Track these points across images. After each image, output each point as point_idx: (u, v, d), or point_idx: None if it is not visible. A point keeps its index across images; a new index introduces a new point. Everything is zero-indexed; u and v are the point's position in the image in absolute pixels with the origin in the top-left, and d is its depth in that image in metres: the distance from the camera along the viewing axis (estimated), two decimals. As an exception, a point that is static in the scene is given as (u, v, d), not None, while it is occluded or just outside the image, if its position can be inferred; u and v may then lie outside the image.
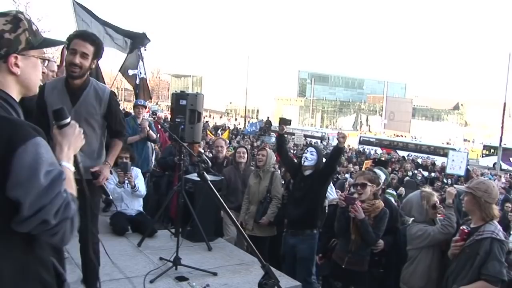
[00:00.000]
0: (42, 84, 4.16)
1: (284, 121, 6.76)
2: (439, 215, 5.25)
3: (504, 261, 3.91)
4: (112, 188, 6.73)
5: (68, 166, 1.96)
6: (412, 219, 5.26)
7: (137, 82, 11.16)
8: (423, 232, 4.92)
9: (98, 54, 3.86)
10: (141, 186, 6.97)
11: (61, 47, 6.48)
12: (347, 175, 18.46)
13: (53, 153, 1.84)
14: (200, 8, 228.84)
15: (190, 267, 5.41)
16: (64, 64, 5.71)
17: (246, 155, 7.71)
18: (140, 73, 11.18)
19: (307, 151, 6.36)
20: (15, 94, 1.92)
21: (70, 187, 1.85)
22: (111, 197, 8.20)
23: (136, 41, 10.14)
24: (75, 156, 2.06)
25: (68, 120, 2.06)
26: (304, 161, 6.23)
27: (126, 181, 6.81)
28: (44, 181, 1.69)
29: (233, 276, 5.49)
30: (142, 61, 11.15)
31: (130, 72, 11.17)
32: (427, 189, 5.35)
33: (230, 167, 7.86)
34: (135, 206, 6.99)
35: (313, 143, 37.36)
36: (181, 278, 5.24)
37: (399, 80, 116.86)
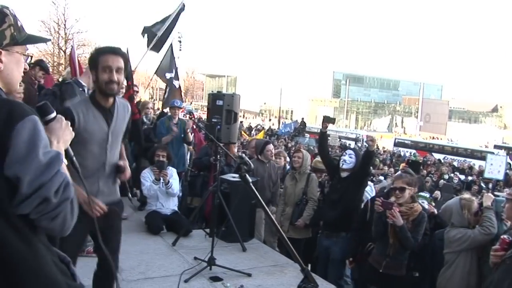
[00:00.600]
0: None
1: (328, 119, 6.65)
2: None
3: None
4: (148, 185, 6.80)
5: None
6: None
7: (175, 86, 11.51)
8: (462, 235, 4.81)
9: (127, 67, 3.79)
10: (175, 185, 7.01)
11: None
12: (381, 177, 18.27)
13: None
14: (234, 8, 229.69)
15: (224, 268, 5.41)
16: (86, 76, 5.63)
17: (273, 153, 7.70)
18: (176, 78, 11.59)
19: (346, 153, 6.32)
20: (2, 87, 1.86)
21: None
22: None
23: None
24: (67, 150, 2.02)
25: (54, 114, 2.02)
26: (343, 164, 6.17)
27: (162, 180, 6.86)
28: (43, 158, 1.66)
29: (267, 278, 5.47)
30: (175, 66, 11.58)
31: (168, 75, 11.52)
32: (466, 195, 5.22)
33: (255, 160, 7.81)
34: (170, 205, 7.03)
35: (347, 145, 37.35)
36: (215, 278, 5.24)
37: (436, 81, 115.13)
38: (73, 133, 2.07)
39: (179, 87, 11.93)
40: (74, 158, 2.14)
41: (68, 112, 3.20)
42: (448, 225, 5.21)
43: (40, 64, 7.84)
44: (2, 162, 1.62)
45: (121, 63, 3.46)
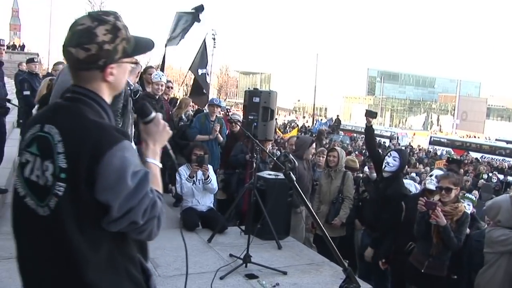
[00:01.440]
0: None
1: (370, 114, 6.57)
2: None
3: None
4: (183, 182, 6.82)
5: (155, 162, 1.99)
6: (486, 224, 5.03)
7: (208, 81, 11.68)
8: (507, 237, 4.67)
9: None
10: (214, 181, 7.01)
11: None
12: (413, 174, 18.04)
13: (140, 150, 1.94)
14: (268, 5, 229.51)
15: (260, 265, 5.39)
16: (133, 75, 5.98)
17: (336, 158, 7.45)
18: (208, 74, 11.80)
19: (390, 155, 6.15)
20: (107, 97, 1.95)
21: (156, 184, 1.90)
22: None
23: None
24: (165, 146, 2.09)
25: (152, 116, 2.06)
26: (385, 166, 6.06)
27: (199, 177, 6.87)
28: (131, 184, 1.73)
29: (303, 276, 5.43)
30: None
31: (200, 71, 11.62)
32: None
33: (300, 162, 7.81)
34: (206, 202, 7.05)
35: (382, 143, 36.95)
36: (251, 276, 5.23)
37: (473, 78, 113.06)
38: (170, 132, 2.11)
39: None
40: (171, 152, 2.19)
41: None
42: (489, 223, 5.09)
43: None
44: (93, 186, 1.70)
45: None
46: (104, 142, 1.72)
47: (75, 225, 1.74)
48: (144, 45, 2.03)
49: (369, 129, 6.68)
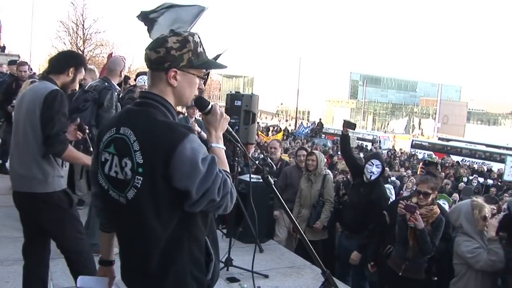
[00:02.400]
0: None
1: (348, 124, 6.74)
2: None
3: None
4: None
5: (219, 146, 2.29)
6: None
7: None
8: (473, 256, 4.75)
9: None
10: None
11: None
12: (393, 178, 18.15)
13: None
14: (252, 9, 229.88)
15: (241, 269, 5.40)
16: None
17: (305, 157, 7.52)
18: None
19: (372, 164, 6.26)
20: (172, 101, 2.24)
21: (223, 165, 2.20)
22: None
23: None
24: (227, 130, 2.42)
25: (209, 107, 2.35)
26: (371, 176, 6.19)
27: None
28: (203, 169, 2.00)
29: (284, 279, 5.46)
30: None
31: None
32: (479, 199, 5.15)
33: (292, 167, 7.82)
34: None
35: (364, 146, 37.12)
36: (232, 279, 5.24)
37: (454, 82, 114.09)
38: (228, 118, 2.41)
39: None
40: (234, 133, 2.57)
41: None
42: (455, 228, 5.17)
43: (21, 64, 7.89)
44: (171, 176, 2.00)
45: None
46: (174, 138, 2.01)
47: (151, 211, 2.06)
48: (213, 64, 2.43)
49: (345, 137, 6.93)
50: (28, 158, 3.66)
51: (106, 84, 5.57)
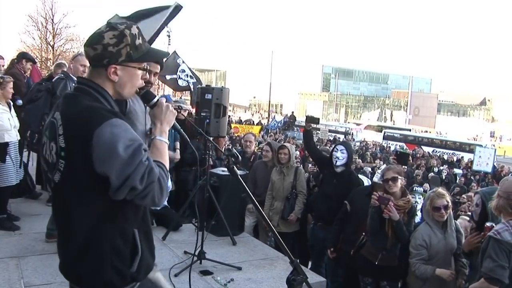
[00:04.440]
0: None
1: (311, 119, 6.83)
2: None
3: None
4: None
5: (162, 139, 2.29)
6: None
7: (182, 84, 12.05)
8: (414, 252, 4.88)
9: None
10: (168, 179, 6.95)
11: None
12: (368, 169, 18.36)
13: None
14: (224, 2, 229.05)
15: (214, 261, 5.41)
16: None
17: (270, 153, 7.56)
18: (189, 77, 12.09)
19: (337, 149, 6.38)
20: (111, 93, 2.23)
21: (159, 156, 2.20)
22: None
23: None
24: (174, 126, 2.43)
25: (155, 100, 2.40)
26: (336, 161, 6.27)
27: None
28: (124, 154, 1.97)
29: (257, 271, 5.48)
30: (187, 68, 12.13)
31: (168, 77, 12.04)
32: (440, 189, 5.23)
33: (259, 161, 7.84)
34: (161, 200, 6.99)
35: (337, 138, 37.44)
36: (205, 272, 5.24)
37: (425, 75, 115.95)
38: (175, 113, 2.42)
39: (188, 84, 12.44)
40: (182, 130, 2.59)
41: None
42: None
43: (25, 56, 7.80)
44: (92, 162, 1.98)
45: (158, 69, 3.88)
46: (93, 121, 1.99)
47: (75, 195, 2.08)
48: (154, 54, 2.39)
49: (308, 132, 6.97)
50: None
51: (62, 75, 5.56)
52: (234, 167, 2.31)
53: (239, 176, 2.29)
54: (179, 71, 12.25)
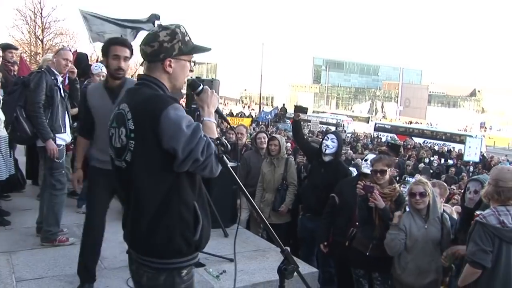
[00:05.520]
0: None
1: (299, 109, 6.88)
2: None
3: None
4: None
5: (210, 119, 2.63)
6: None
7: None
8: (392, 239, 4.87)
9: (132, 55, 4.42)
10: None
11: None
12: (360, 160, 18.39)
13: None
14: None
15: (206, 253, 5.40)
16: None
17: (266, 141, 7.56)
18: None
19: (328, 138, 6.43)
20: (167, 84, 2.58)
21: (212, 133, 2.53)
22: None
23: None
24: (217, 110, 2.74)
25: (201, 87, 2.71)
26: (326, 149, 6.29)
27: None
28: (187, 131, 2.32)
29: (249, 262, 5.48)
30: None
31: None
32: (421, 178, 5.26)
33: (251, 152, 7.83)
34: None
35: (327, 130, 37.48)
36: (197, 264, 5.16)
37: (415, 66, 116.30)
38: (218, 96, 2.79)
39: None
40: (223, 113, 2.93)
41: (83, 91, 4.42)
42: None
43: (8, 47, 7.74)
44: (160, 140, 2.31)
45: (127, 53, 4.30)
46: (160, 105, 2.34)
47: (145, 171, 2.40)
48: (200, 48, 2.67)
49: (296, 123, 7.06)
50: None
51: (42, 70, 5.58)
52: (224, 156, 2.33)
53: (229, 166, 2.31)
54: None
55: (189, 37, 2.61)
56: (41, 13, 38.45)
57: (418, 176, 5.39)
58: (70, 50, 6.30)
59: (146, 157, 2.39)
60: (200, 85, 2.73)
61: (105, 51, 4.28)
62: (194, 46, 2.64)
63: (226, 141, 2.40)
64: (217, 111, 2.75)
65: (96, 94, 4.44)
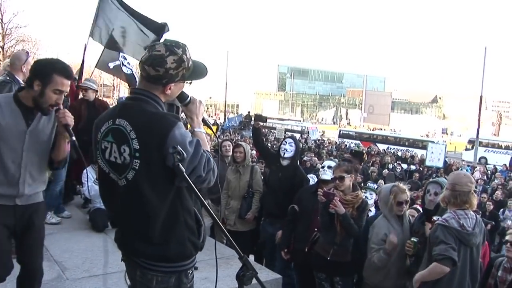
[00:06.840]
0: None
1: (259, 118, 7.09)
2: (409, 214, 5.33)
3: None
4: (90, 185, 6.63)
5: (200, 130, 2.75)
6: None
7: (127, 72, 10.39)
8: (380, 247, 4.93)
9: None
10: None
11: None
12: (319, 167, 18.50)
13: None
14: (178, 2, 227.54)
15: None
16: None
17: (231, 148, 7.58)
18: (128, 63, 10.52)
19: (286, 142, 6.58)
20: (163, 100, 2.64)
21: (205, 145, 2.61)
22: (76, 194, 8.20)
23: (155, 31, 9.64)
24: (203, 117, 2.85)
25: (189, 98, 2.77)
26: (284, 153, 6.40)
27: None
28: (191, 149, 2.45)
29: (213, 270, 5.41)
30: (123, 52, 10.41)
31: (111, 64, 10.14)
32: (401, 185, 5.34)
33: (215, 159, 7.83)
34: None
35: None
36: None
37: (378, 74, 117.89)
38: (204, 104, 2.87)
39: (132, 73, 10.82)
40: (207, 121, 3.02)
41: None
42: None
43: None
44: (165, 159, 2.41)
45: (68, 87, 3.53)
46: (166, 126, 2.44)
47: (149, 188, 2.48)
48: (198, 73, 2.74)
49: (256, 130, 7.22)
50: None
51: (7, 78, 5.45)
52: (180, 165, 2.34)
53: (184, 173, 2.33)
54: (121, 57, 10.33)
55: (191, 59, 2.64)
56: (1, 19, 37.76)
57: (399, 184, 5.44)
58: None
59: (150, 175, 2.48)
60: (188, 96, 2.77)
61: (44, 76, 3.38)
62: (193, 70, 2.68)
63: (181, 150, 2.38)
64: (203, 120, 2.83)
65: (6, 109, 3.45)
